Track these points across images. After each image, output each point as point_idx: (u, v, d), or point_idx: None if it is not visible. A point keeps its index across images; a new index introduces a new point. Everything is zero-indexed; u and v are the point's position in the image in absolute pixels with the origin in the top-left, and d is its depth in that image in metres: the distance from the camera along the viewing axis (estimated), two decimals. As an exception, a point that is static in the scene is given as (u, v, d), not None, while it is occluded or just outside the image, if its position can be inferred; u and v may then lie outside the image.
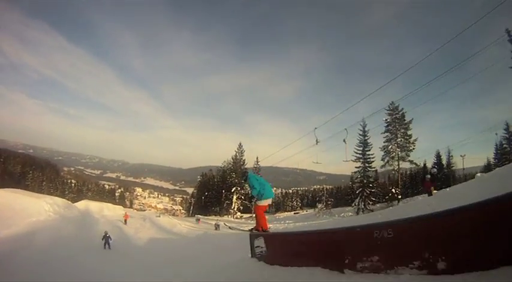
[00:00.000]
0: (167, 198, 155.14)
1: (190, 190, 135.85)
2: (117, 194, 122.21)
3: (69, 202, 31.35)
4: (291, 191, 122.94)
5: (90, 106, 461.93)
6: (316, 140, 20.26)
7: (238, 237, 14.29)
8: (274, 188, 70.73)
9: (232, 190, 59.55)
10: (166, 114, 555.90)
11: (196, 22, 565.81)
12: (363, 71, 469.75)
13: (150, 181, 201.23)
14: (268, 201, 6.51)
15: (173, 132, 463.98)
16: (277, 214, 77.68)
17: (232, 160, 65.00)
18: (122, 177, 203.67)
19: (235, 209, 58.77)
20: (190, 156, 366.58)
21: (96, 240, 19.11)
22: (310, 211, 65.77)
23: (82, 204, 46.99)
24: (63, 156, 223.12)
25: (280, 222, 39.41)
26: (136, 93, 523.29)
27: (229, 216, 56.85)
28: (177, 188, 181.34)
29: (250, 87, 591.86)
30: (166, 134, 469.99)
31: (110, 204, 53.08)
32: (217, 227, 30.46)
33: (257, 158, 62.12)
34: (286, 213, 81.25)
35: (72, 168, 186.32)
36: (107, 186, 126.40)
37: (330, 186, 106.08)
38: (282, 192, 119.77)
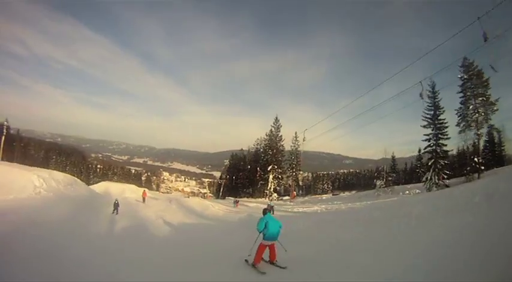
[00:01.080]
0: (194, 182, 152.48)
1: (217, 174, 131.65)
2: (143, 178, 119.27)
3: (76, 179, 25.71)
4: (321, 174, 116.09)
5: (115, 94, 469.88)
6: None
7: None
8: (301, 172, 65.04)
9: (269, 169, 52.59)
10: (192, 100, 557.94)
11: (221, 8, 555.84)
12: (391, 55, 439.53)
13: (177, 166, 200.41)
14: (267, 243, 7.29)
15: (199, 117, 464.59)
16: (311, 197, 70.67)
17: (267, 137, 57.64)
18: (149, 162, 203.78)
19: (271, 189, 51.89)
20: (216, 141, 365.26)
21: (93, 228, 12.57)
22: (354, 194, 57.94)
23: (101, 185, 42.38)
24: (90, 144, 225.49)
25: (328, 203, 32.07)
26: (161, 80, 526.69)
27: (266, 198, 50.01)
28: (203, 172, 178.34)
29: (275, 72, 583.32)
30: (192, 119, 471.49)
31: (133, 186, 48.20)
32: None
33: (296, 133, 55.02)
34: (324, 195, 73.59)
35: (100, 155, 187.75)
36: (133, 171, 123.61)
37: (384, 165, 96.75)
38: (312, 175, 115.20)
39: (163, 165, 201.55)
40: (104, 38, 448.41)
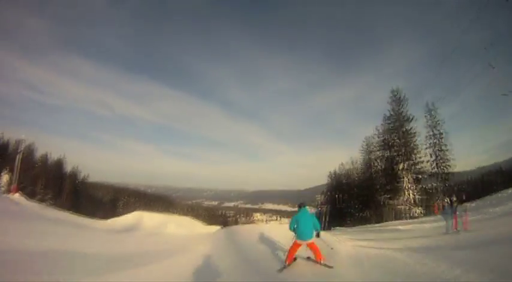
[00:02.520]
0: (287, 219, 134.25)
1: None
2: (229, 219, 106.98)
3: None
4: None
5: (201, 143, 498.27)
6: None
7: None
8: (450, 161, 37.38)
9: (400, 167, 32.04)
10: (275, 140, 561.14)
11: (288, 46, 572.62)
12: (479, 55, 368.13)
13: (268, 206, 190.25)
14: (301, 242, 7.07)
15: (285, 156, 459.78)
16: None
17: (386, 118, 37.19)
18: (240, 205, 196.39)
19: (412, 200, 30.80)
20: (306, 176, 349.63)
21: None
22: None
23: (130, 217, 28.93)
24: (181, 192, 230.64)
25: None
26: (243, 124, 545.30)
27: (405, 216, 29.13)
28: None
29: (354, 99, 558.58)
30: (280, 159, 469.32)
31: (185, 218, 33.04)
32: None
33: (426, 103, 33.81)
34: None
35: (190, 202, 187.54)
36: (219, 212, 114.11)
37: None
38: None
39: (255, 206, 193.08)
40: (183, 93, 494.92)
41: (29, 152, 51.48)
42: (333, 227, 43.68)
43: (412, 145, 33.31)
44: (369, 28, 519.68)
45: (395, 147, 34.49)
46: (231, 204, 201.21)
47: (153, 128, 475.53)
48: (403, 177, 31.36)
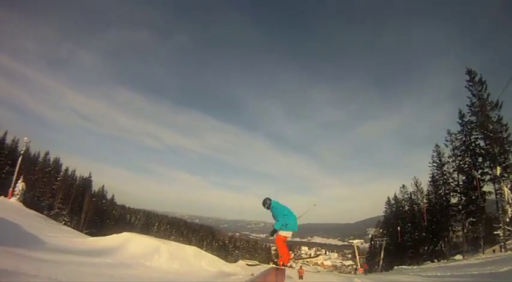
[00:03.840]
0: (335, 254, 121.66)
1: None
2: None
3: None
4: None
5: (250, 175, 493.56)
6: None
7: None
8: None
9: (498, 174, 22.02)
10: (325, 172, 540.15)
11: (334, 76, 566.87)
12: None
13: (317, 239, 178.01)
14: (290, 233, 6.06)
15: (334, 189, 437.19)
16: None
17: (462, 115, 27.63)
18: (288, 239, 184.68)
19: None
20: (355, 210, 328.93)
21: None
22: None
23: (116, 237, 22.55)
24: (228, 224, 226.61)
25: None
26: (292, 157, 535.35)
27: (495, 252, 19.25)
28: (346, 243, 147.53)
29: (400, 127, 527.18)
30: (329, 192, 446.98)
31: (190, 247, 24.84)
32: None
33: None
34: None
35: (237, 233, 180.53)
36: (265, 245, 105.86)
37: None
38: None
39: (303, 240, 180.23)
40: (231, 125, 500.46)
41: (56, 166, 50.93)
42: (396, 265, 33.57)
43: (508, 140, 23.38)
44: (409, 54, 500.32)
45: (480, 150, 24.69)
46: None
47: (201, 159, 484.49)
48: (503, 186, 21.27)
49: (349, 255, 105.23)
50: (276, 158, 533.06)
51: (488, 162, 23.97)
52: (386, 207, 52.11)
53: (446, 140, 31.59)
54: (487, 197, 25.03)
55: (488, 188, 25.13)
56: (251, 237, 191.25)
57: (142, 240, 21.50)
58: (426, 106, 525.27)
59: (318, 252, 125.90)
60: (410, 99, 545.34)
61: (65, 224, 38.80)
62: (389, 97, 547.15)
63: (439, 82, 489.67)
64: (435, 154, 35.53)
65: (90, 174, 57.93)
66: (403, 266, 31.56)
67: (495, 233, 21.72)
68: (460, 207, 28.18)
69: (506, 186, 20.88)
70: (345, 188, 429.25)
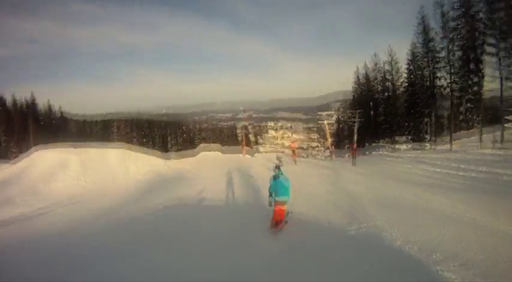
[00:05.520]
0: (301, 136, 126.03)
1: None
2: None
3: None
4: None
5: (211, 61, 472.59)
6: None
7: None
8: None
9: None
10: (287, 51, 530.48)
11: None
12: None
13: (283, 114, 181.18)
14: (279, 199, 6.53)
15: (295, 63, 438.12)
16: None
17: None
18: (254, 115, 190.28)
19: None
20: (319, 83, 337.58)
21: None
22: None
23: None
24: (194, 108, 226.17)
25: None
26: (253, 38, 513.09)
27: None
28: (309, 117, 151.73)
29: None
30: (290, 66, 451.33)
31: (114, 151, 19.82)
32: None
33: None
34: None
35: (204, 116, 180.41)
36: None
37: None
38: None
39: (267, 115, 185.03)
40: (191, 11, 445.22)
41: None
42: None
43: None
44: None
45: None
46: (246, 115, 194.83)
47: (160, 51, 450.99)
48: None
49: (314, 136, 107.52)
50: (235, 41, 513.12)
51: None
52: (355, 87, 47.18)
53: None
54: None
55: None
56: (217, 117, 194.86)
57: (52, 155, 16.38)
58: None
59: (285, 135, 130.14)
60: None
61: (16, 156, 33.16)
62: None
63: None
64: (420, 26, 29.57)
65: (32, 94, 52.89)
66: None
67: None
68: (449, 88, 24.17)
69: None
70: (305, 61, 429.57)
